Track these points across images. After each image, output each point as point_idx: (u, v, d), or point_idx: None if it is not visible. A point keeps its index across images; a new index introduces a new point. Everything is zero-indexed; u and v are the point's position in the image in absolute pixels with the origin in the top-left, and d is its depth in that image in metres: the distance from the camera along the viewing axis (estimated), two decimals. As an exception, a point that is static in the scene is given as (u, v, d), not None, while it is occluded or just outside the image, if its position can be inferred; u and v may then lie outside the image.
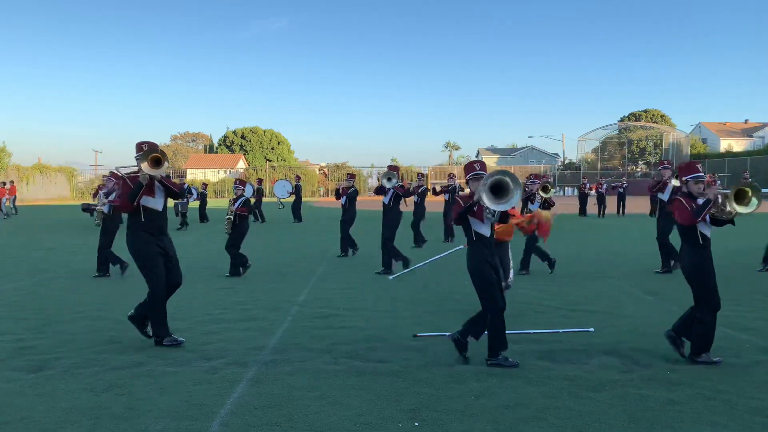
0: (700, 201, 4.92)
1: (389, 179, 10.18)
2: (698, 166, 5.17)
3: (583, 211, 26.00)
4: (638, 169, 63.68)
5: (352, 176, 12.42)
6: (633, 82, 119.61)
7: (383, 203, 10.39)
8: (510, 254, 7.63)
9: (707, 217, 4.93)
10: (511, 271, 7.66)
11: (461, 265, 10.07)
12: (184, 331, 6.12)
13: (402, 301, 7.61)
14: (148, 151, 5.39)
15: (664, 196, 9.73)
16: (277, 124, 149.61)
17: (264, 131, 75.59)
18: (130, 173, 5.55)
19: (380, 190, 10.50)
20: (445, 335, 5.64)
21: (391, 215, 10.19)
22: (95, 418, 3.82)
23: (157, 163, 5.42)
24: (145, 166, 5.36)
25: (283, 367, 4.87)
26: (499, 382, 4.50)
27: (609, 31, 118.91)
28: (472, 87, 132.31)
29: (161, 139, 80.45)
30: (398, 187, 10.29)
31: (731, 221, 5.04)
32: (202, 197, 23.48)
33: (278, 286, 8.90)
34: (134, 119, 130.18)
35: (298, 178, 25.69)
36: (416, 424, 3.72)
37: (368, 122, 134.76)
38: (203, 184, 26.89)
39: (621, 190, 26.33)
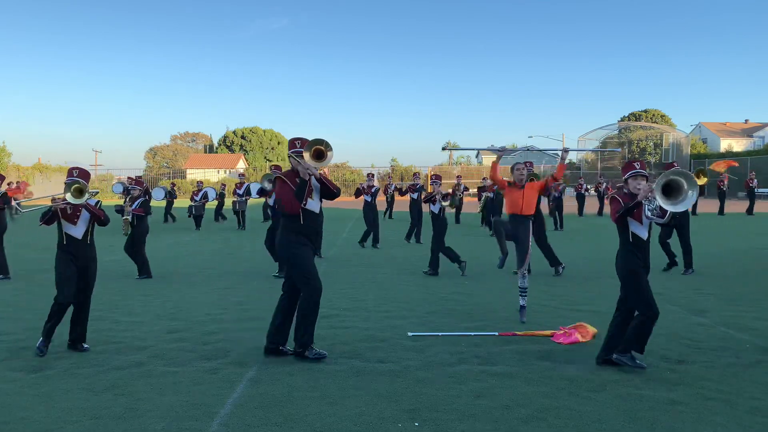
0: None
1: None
2: (636, 163, 5.01)
3: (580, 211, 25.97)
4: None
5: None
6: (633, 82, 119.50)
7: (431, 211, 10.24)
8: (531, 236, 6.65)
9: (644, 218, 4.79)
10: (528, 256, 6.55)
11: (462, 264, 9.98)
12: (184, 331, 6.13)
13: (402, 301, 7.61)
14: (313, 143, 5.00)
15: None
16: (277, 124, 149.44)
17: (264, 131, 75.59)
18: (288, 171, 5.21)
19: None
20: (439, 334, 5.64)
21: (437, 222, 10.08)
22: (95, 418, 3.82)
23: (319, 156, 5.00)
24: (307, 156, 4.96)
25: (283, 367, 4.87)
26: (499, 382, 4.50)
27: (609, 31, 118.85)
28: (472, 87, 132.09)
29: (161, 139, 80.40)
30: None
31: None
32: (221, 197, 23.71)
33: (278, 286, 8.87)
34: (134, 119, 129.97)
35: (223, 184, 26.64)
36: (416, 424, 3.73)
37: (368, 122, 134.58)
38: (222, 185, 27.24)
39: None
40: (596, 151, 51.57)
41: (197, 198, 20.76)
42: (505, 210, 6.70)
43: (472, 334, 5.88)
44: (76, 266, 5.38)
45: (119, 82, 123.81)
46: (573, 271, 10.12)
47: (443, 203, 9.95)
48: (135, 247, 9.78)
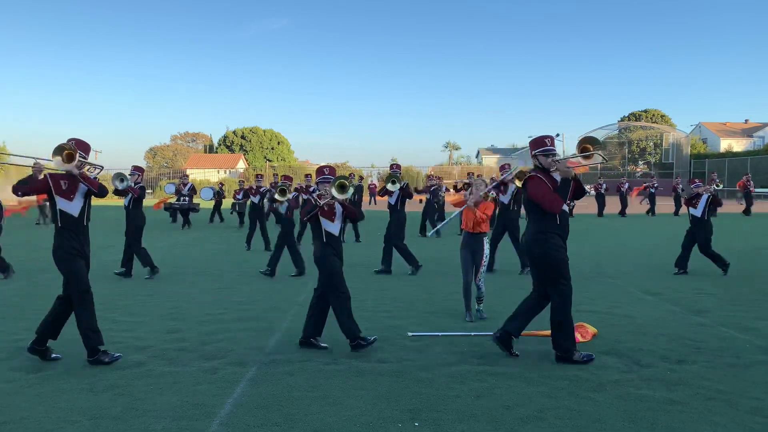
0: (557, 177, 4.91)
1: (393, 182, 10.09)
2: (546, 140, 5.06)
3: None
4: (638, 169, 63.60)
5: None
6: (633, 82, 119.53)
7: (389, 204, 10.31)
8: (486, 249, 6.77)
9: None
10: (483, 269, 6.69)
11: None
12: (184, 331, 6.12)
13: (402, 302, 7.61)
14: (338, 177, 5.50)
15: (697, 212, 9.92)
16: (277, 124, 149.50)
17: (264, 131, 75.57)
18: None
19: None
20: (439, 334, 5.64)
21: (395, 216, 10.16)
22: (95, 418, 3.82)
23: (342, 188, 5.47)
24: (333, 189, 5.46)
25: (283, 367, 4.87)
26: (499, 382, 4.50)
27: (609, 31, 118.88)
28: (472, 87, 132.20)
29: (161, 139, 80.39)
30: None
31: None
32: (219, 197, 23.74)
33: (278, 286, 8.90)
34: (134, 119, 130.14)
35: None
36: (416, 424, 3.72)
37: (368, 122, 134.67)
38: (220, 183, 27.30)
39: (652, 190, 25.67)
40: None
41: (184, 191, 21.14)
42: (462, 225, 6.95)
43: (472, 334, 5.88)
44: (81, 248, 5.05)
45: (119, 82, 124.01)
46: (573, 271, 10.11)
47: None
48: (129, 239, 9.70)
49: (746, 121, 73.94)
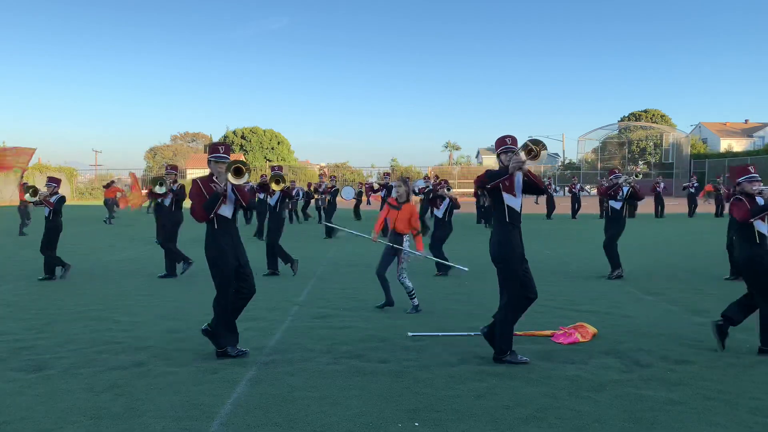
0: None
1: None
2: (507, 138, 5.03)
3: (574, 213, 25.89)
4: (638, 169, 63.68)
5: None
6: (633, 82, 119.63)
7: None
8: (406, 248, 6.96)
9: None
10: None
11: (462, 264, 10.00)
12: (185, 330, 6.12)
13: (402, 302, 7.60)
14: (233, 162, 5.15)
15: (617, 204, 9.50)
16: (277, 124, 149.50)
17: (264, 131, 75.56)
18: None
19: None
20: (439, 334, 5.64)
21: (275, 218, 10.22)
22: (95, 418, 3.81)
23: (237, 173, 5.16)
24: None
25: (283, 367, 4.87)
26: (499, 382, 4.50)
27: (609, 31, 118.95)
28: (472, 87, 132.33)
29: (161, 139, 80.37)
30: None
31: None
32: (307, 196, 23.83)
33: (278, 286, 8.90)
34: (134, 119, 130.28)
35: (361, 185, 27.92)
36: (416, 424, 3.72)
37: (368, 122, 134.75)
38: (308, 183, 28.23)
39: (658, 189, 24.71)
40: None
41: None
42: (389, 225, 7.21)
43: (472, 334, 5.87)
44: None
45: (119, 82, 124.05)
46: (573, 270, 10.12)
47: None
48: (163, 237, 9.94)
49: (746, 121, 73.97)
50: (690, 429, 3.64)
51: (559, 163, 69.86)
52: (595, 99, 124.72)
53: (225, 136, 76.97)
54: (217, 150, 5.23)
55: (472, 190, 24.39)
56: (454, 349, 5.39)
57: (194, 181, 5.26)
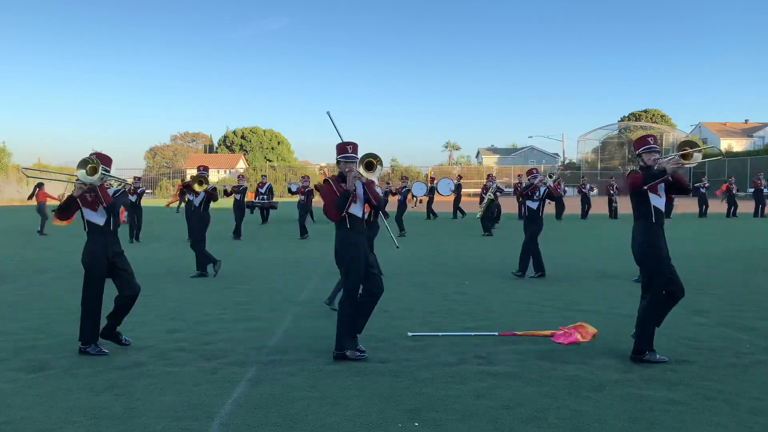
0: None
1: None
2: (649, 138, 5.12)
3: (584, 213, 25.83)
4: (557, 167, 63.67)
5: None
6: (633, 82, 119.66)
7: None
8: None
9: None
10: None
11: (461, 265, 9.98)
12: (185, 330, 6.12)
13: (402, 301, 7.60)
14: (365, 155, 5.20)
15: (533, 204, 9.51)
16: (277, 124, 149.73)
17: (264, 131, 75.62)
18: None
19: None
20: (439, 334, 5.63)
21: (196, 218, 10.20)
22: (95, 418, 3.81)
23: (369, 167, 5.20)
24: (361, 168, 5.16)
25: (283, 367, 4.87)
26: (499, 382, 4.50)
27: (609, 31, 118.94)
28: (472, 87, 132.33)
29: (161, 139, 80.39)
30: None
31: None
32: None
33: (278, 286, 8.90)
34: (134, 119, 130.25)
35: (459, 177, 27.47)
36: (416, 424, 3.72)
37: (368, 122, 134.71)
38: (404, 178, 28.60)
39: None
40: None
41: (262, 191, 21.51)
42: None
43: (472, 334, 5.87)
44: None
45: (119, 82, 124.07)
46: (573, 271, 10.12)
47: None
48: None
49: (746, 121, 73.95)
50: (690, 429, 3.64)
51: (559, 163, 69.90)
52: (595, 99, 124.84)
53: (225, 136, 77.04)
54: (346, 150, 5.21)
55: (472, 190, 24.41)
56: (454, 349, 5.39)
57: (326, 179, 5.27)
